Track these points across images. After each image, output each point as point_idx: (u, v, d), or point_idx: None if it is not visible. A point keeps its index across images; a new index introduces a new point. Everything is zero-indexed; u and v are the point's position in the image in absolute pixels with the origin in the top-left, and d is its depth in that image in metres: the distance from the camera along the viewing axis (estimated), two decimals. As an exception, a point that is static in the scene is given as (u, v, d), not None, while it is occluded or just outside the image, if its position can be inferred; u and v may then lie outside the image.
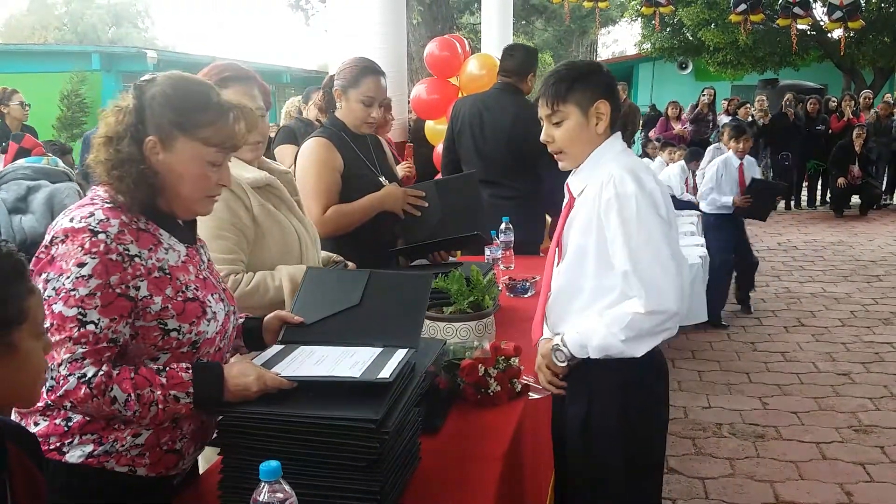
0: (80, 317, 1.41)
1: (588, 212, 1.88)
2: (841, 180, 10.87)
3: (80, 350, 1.41)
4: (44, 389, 1.42)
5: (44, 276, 1.43)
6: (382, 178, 3.00)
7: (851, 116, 12.01)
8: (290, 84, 20.55)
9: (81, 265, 1.41)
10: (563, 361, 1.95)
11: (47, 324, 1.39)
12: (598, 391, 1.94)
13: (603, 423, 1.93)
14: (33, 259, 1.44)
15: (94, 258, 1.42)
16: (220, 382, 1.48)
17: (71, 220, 1.45)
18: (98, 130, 1.54)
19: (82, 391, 1.40)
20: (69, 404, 1.42)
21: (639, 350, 1.85)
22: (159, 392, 1.45)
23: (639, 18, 20.41)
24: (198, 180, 1.55)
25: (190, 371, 1.48)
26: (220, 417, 1.49)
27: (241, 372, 1.49)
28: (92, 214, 1.45)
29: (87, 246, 1.42)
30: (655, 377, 1.99)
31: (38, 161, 2.92)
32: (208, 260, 1.72)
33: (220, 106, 1.54)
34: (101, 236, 1.43)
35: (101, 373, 1.42)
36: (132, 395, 1.43)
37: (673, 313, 1.81)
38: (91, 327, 1.42)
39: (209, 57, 14.47)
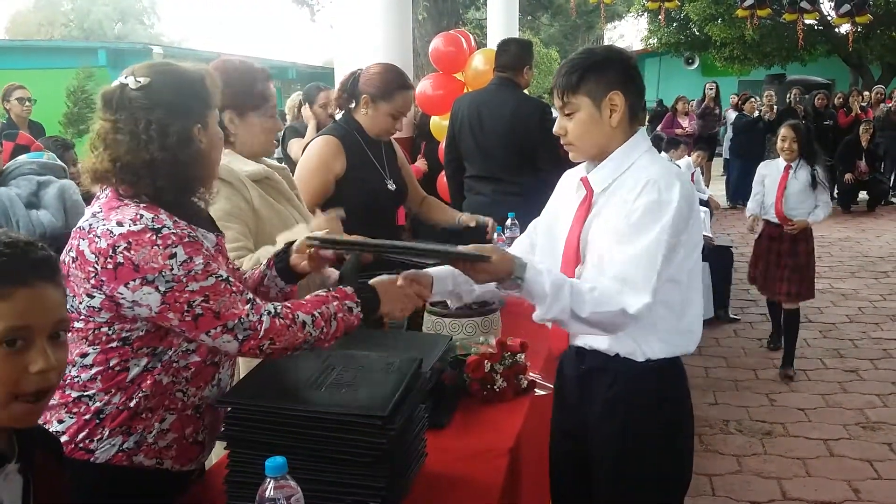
0: (219, 279, 1.47)
1: (622, 214, 1.71)
2: (848, 176, 10.83)
3: (249, 295, 1.51)
4: (235, 342, 1.47)
5: (135, 281, 1.41)
6: (390, 183, 2.98)
7: (859, 112, 11.95)
8: (296, 80, 20.56)
9: (173, 256, 1.43)
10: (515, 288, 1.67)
11: (197, 299, 1.43)
12: (636, 408, 1.80)
13: (641, 445, 1.80)
14: (101, 270, 1.42)
15: (177, 247, 1.44)
16: (377, 294, 1.64)
17: (119, 223, 1.43)
18: (112, 151, 1.49)
19: (278, 323, 1.49)
20: (267, 343, 1.48)
21: (572, 330, 1.77)
22: (335, 303, 1.56)
23: (645, 13, 20.40)
24: (221, 143, 1.65)
25: (349, 287, 1.63)
26: (228, 410, 1.49)
27: (392, 290, 1.67)
28: (141, 216, 1.45)
29: (160, 242, 1.43)
30: (685, 389, 1.89)
31: (40, 156, 2.93)
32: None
33: (205, 73, 1.60)
34: (165, 230, 1.44)
35: (279, 306, 1.52)
36: (315, 313, 1.53)
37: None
38: (233, 280, 1.51)
39: (215, 53, 14.48)
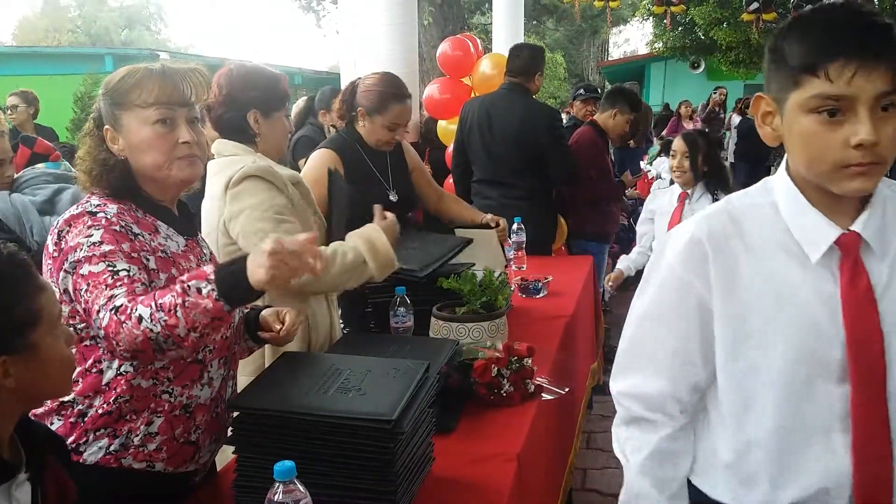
0: (110, 268, 1.44)
1: None
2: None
3: (116, 291, 1.41)
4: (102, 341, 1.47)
5: (65, 266, 1.46)
6: (392, 194, 2.93)
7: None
8: (302, 85, 20.61)
9: (89, 236, 1.45)
10: None
11: (83, 286, 1.42)
12: None
13: None
14: (52, 260, 1.49)
15: (98, 230, 1.46)
16: (241, 261, 1.42)
17: (70, 212, 1.52)
18: (79, 151, 1.62)
19: (113, 321, 1.38)
20: (115, 343, 1.40)
21: None
22: (178, 287, 1.39)
23: (650, 18, 20.37)
24: (154, 142, 1.54)
25: (209, 267, 1.45)
26: (236, 415, 1.50)
27: (258, 252, 1.41)
28: (88, 201, 1.53)
29: (88, 223, 1.47)
30: None
31: (58, 167, 2.93)
32: (210, 254, 1.75)
33: (137, 70, 1.57)
34: (100, 214, 1.49)
35: (129, 300, 1.40)
36: (154, 305, 1.38)
37: None
38: (123, 273, 1.44)
39: (221, 58, 14.52)
